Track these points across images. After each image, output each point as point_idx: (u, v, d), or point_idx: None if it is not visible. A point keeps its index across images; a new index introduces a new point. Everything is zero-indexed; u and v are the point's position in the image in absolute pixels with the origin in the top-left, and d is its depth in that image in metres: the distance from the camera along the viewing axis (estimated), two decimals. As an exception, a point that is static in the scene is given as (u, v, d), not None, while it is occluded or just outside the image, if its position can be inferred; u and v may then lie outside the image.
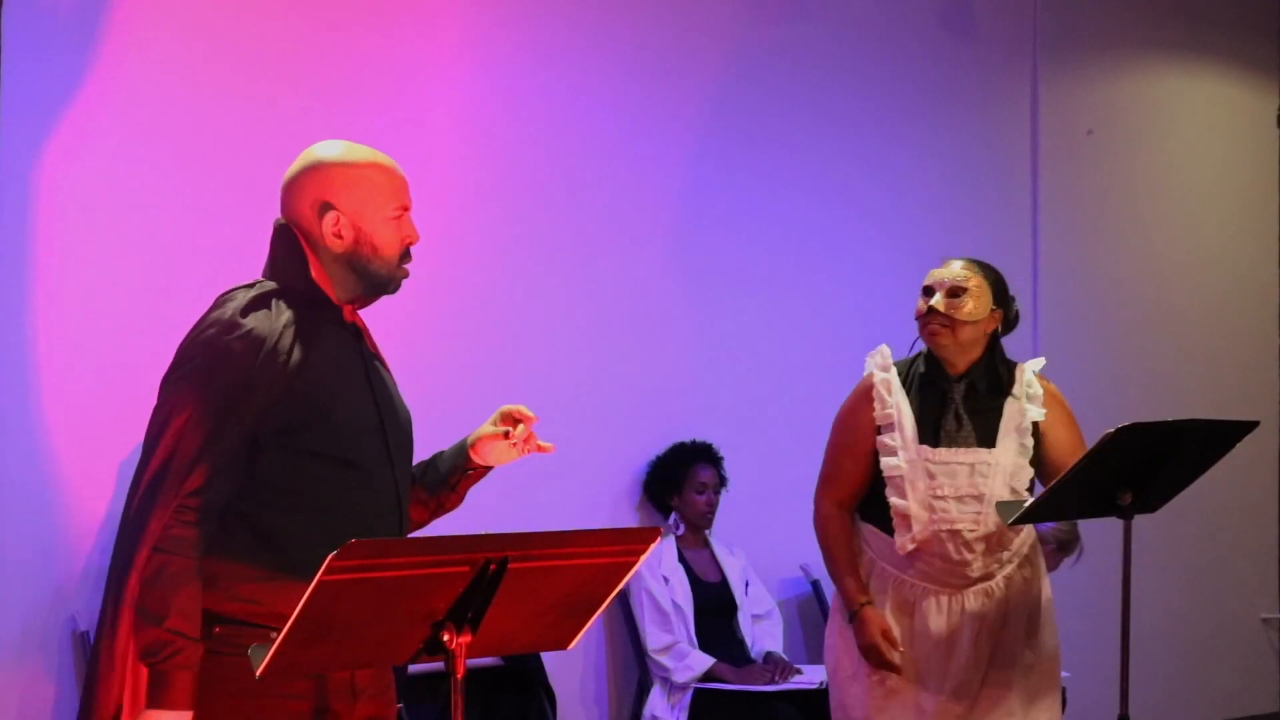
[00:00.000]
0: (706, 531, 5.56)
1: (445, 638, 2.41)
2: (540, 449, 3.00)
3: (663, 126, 5.68)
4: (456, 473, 3.01)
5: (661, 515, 5.53)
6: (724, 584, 5.47)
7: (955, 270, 3.93)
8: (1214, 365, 7.12)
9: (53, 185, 4.46)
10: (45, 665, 4.40)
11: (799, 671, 5.27)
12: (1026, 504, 3.70)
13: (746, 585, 5.54)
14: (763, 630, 5.49)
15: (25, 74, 4.41)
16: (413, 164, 5.06)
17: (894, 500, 3.89)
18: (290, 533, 2.71)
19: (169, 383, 2.74)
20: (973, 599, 3.84)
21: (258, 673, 2.38)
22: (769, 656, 5.38)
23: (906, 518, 3.86)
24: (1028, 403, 3.94)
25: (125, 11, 4.58)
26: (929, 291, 3.92)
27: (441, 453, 3.05)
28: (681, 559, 5.43)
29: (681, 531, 5.48)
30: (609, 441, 5.50)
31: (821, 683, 5.17)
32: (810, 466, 5.93)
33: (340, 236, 2.83)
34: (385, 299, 5.03)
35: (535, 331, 5.38)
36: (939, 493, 3.82)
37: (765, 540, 5.78)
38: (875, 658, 3.87)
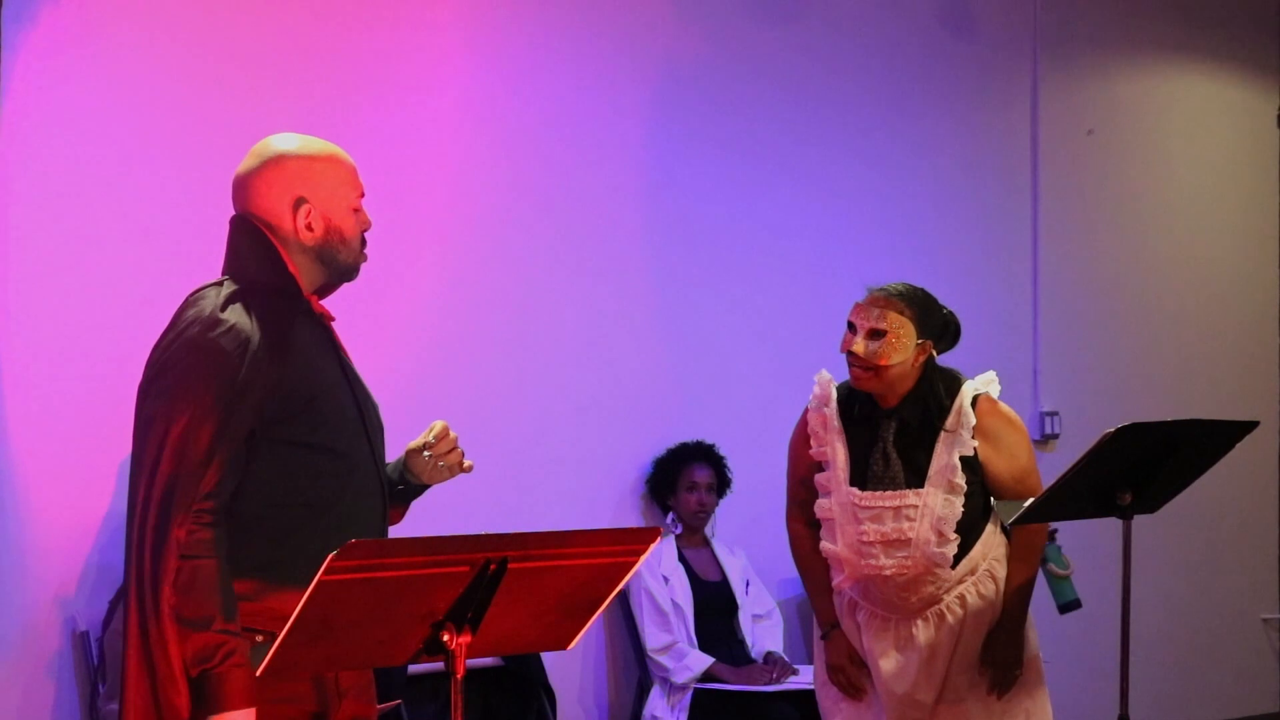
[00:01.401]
0: (707, 531, 5.56)
1: (445, 638, 2.41)
2: (461, 469, 2.98)
3: (664, 128, 5.68)
4: (395, 487, 3.00)
5: (664, 514, 5.54)
6: (724, 584, 5.48)
7: (875, 310, 3.77)
8: (1214, 365, 7.12)
9: (52, 183, 4.46)
10: (45, 665, 4.40)
11: (796, 672, 5.27)
12: (1027, 504, 3.69)
13: (747, 585, 5.54)
14: (763, 630, 5.49)
15: (25, 71, 4.41)
16: (413, 162, 5.10)
17: (824, 545, 3.87)
18: (282, 526, 2.71)
19: (156, 390, 2.71)
20: (921, 624, 3.80)
21: (258, 672, 2.38)
22: (769, 656, 5.38)
23: (838, 560, 3.84)
24: (962, 430, 3.79)
25: (125, 8, 4.59)
26: (852, 328, 3.80)
27: (387, 464, 3.03)
28: (682, 559, 5.44)
29: (679, 530, 5.49)
30: (612, 441, 5.50)
31: (820, 683, 5.19)
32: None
33: (311, 229, 2.84)
34: (387, 299, 5.04)
35: (540, 329, 5.37)
36: (866, 538, 3.75)
37: (766, 540, 5.77)
38: (840, 679, 3.90)
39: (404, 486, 3.00)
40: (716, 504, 5.54)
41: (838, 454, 3.84)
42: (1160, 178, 7.11)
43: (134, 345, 4.40)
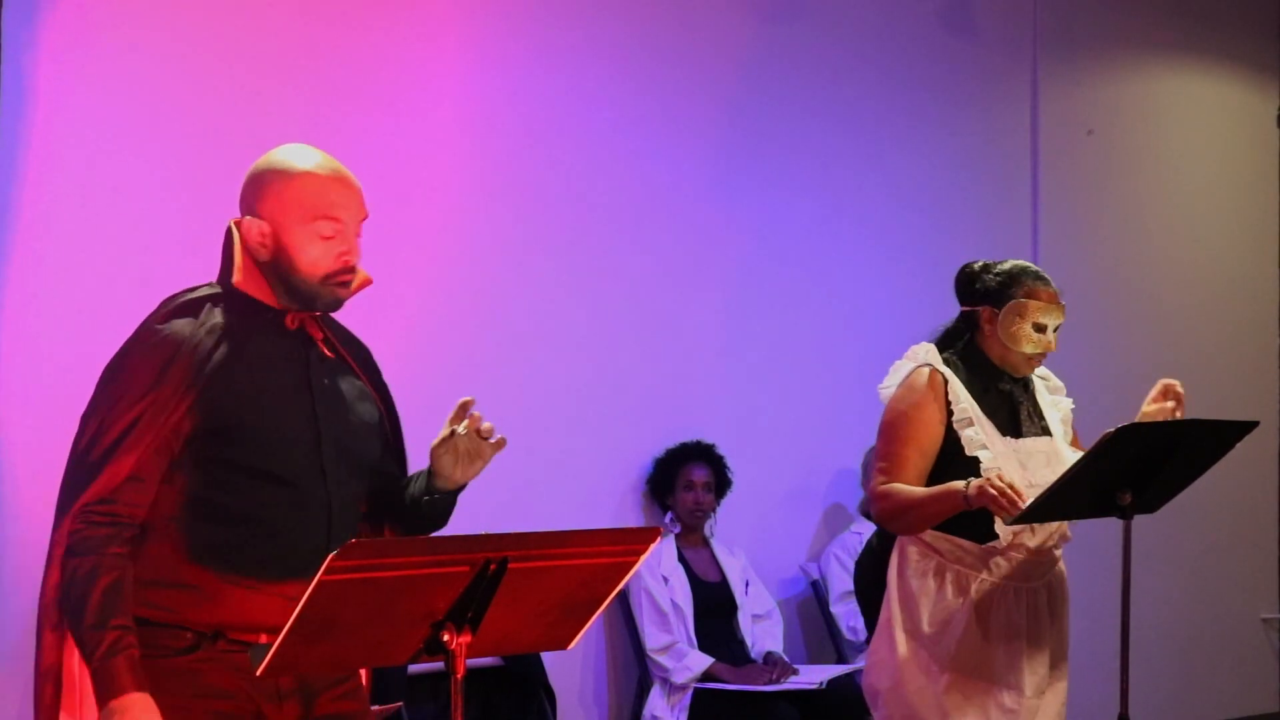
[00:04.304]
0: (707, 531, 5.56)
1: (445, 638, 2.41)
2: (493, 444, 2.77)
3: (662, 127, 5.68)
4: (426, 495, 2.84)
5: (663, 514, 5.55)
6: (724, 584, 5.48)
7: (1060, 312, 3.90)
8: (1214, 365, 7.12)
9: (53, 186, 4.46)
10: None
11: (796, 672, 5.27)
12: (1027, 504, 3.68)
13: (747, 585, 5.55)
14: (763, 630, 5.49)
15: (25, 72, 4.41)
16: (415, 164, 5.10)
17: None
18: (208, 544, 2.68)
19: (95, 388, 2.73)
20: (1044, 589, 3.79)
21: (258, 672, 2.38)
22: (769, 656, 5.38)
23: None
24: (1050, 393, 3.97)
25: (125, 9, 4.59)
26: (1042, 329, 3.86)
27: (416, 475, 2.91)
28: (681, 559, 5.44)
29: (678, 530, 5.49)
30: (613, 441, 5.50)
31: (821, 683, 5.17)
32: (811, 467, 5.95)
33: (264, 245, 2.74)
34: (387, 299, 5.03)
35: (539, 331, 5.38)
36: (1032, 480, 3.71)
37: (765, 540, 5.78)
38: (1000, 483, 3.53)
39: (432, 496, 2.84)
40: (715, 504, 5.54)
41: (976, 409, 3.79)
42: (1160, 178, 7.11)
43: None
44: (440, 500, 2.86)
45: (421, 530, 2.89)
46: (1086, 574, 6.14)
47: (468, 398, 2.79)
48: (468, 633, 2.41)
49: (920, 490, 3.70)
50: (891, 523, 3.79)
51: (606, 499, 5.53)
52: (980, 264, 3.97)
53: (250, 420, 2.68)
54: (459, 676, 2.43)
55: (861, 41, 6.20)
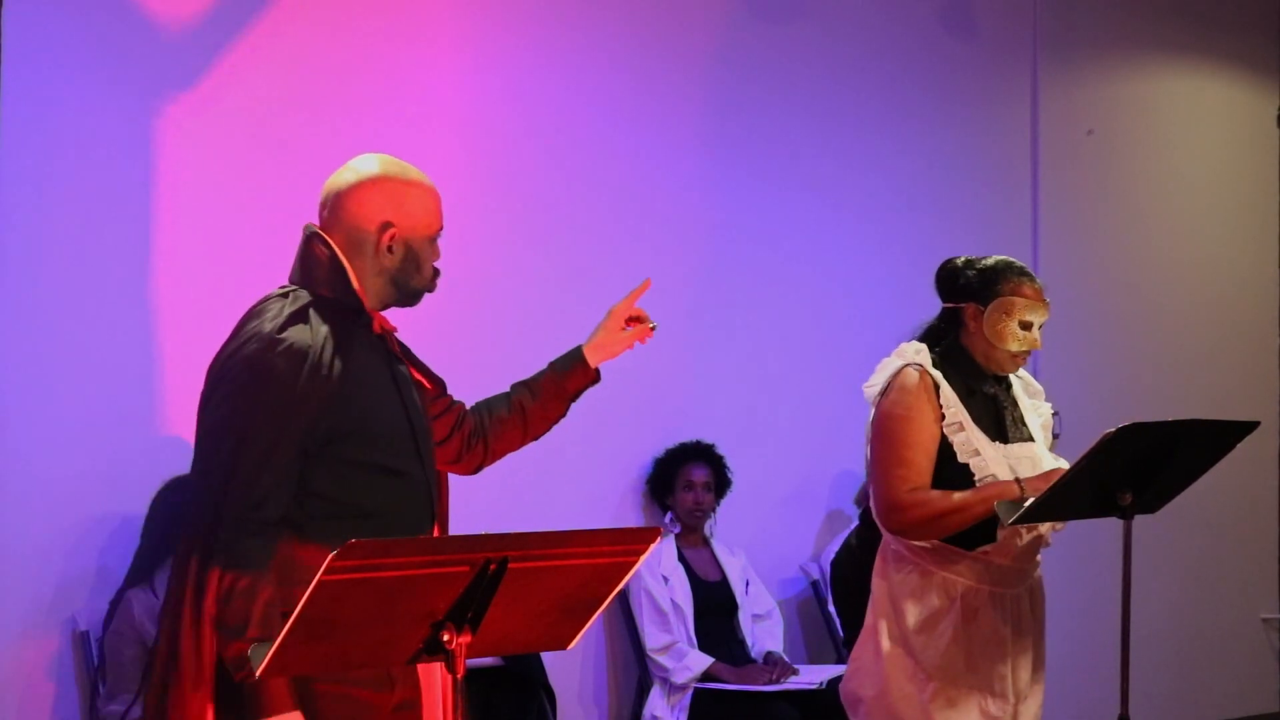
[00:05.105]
0: (707, 531, 5.56)
1: (445, 638, 2.41)
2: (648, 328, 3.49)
3: (662, 127, 5.68)
4: (575, 381, 3.49)
5: (663, 514, 5.54)
6: (724, 583, 5.48)
7: (1045, 309, 3.89)
8: (1214, 365, 7.12)
9: (54, 193, 4.46)
10: (45, 665, 4.40)
11: (796, 672, 5.27)
12: (1026, 504, 3.68)
13: (747, 585, 5.55)
14: (763, 630, 5.49)
15: (27, 80, 4.42)
16: (418, 159, 5.09)
17: None
18: (335, 539, 2.72)
19: (215, 402, 2.80)
20: (1025, 596, 3.79)
21: (258, 672, 2.39)
22: (769, 656, 5.38)
23: None
24: (1030, 397, 3.95)
25: (130, 20, 4.59)
26: (1029, 326, 3.85)
27: (554, 365, 3.44)
28: (682, 558, 5.44)
29: (677, 530, 5.49)
30: (612, 441, 5.50)
31: (821, 683, 5.16)
32: (811, 467, 5.95)
33: (392, 251, 2.92)
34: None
35: (538, 331, 5.37)
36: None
37: (765, 540, 5.78)
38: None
39: (587, 375, 3.41)
40: (715, 503, 5.54)
41: (965, 415, 3.77)
42: (1160, 178, 7.11)
43: (133, 350, 4.41)
44: (576, 374, 3.48)
45: (544, 416, 3.52)
46: (1086, 574, 6.16)
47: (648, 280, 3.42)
48: (468, 633, 2.42)
49: (959, 494, 3.65)
50: (922, 529, 3.69)
51: (606, 499, 5.53)
52: (963, 259, 3.93)
53: (369, 420, 2.85)
54: (459, 676, 2.43)
55: (861, 41, 6.20)
